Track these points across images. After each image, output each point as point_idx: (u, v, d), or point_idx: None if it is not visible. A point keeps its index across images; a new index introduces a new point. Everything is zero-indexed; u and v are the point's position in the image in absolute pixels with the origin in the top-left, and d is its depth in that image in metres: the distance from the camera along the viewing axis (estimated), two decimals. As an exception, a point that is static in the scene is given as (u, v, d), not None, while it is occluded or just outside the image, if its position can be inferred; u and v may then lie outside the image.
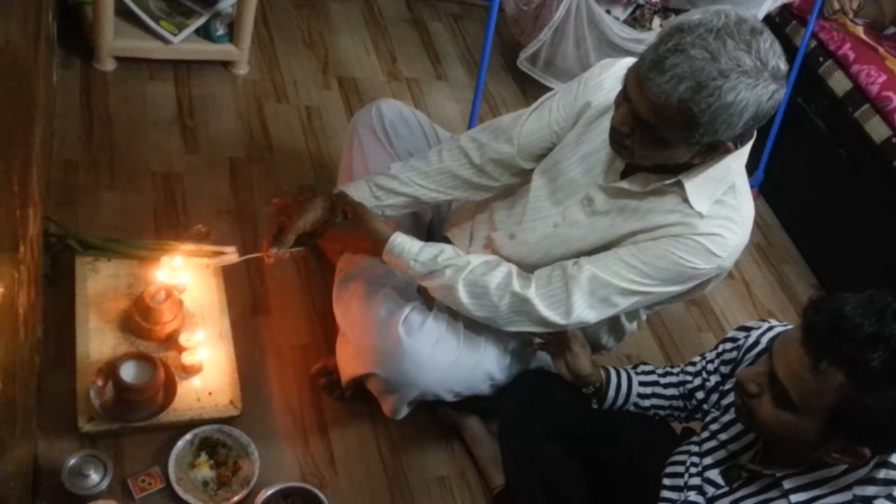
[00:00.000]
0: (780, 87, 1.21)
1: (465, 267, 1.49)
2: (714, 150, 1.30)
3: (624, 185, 1.43)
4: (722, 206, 1.39)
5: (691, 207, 1.37)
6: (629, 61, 1.51)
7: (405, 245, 1.52)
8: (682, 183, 1.36)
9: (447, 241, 1.77)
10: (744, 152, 1.38)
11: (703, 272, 1.41)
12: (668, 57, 1.18)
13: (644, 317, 1.74)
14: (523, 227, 1.58)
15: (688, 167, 1.36)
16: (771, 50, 1.19)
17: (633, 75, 1.26)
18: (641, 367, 1.58)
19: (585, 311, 1.46)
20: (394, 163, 1.68)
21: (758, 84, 1.18)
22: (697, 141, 1.26)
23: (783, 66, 1.20)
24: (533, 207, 1.57)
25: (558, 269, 1.47)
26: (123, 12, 2.20)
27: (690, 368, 1.52)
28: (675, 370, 1.56)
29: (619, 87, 1.41)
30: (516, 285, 1.47)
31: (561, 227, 1.52)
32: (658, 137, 1.26)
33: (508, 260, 1.57)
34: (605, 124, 1.46)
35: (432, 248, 1.52)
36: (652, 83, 1.20)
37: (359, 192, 1.63)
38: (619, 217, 1.45)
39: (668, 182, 1.37)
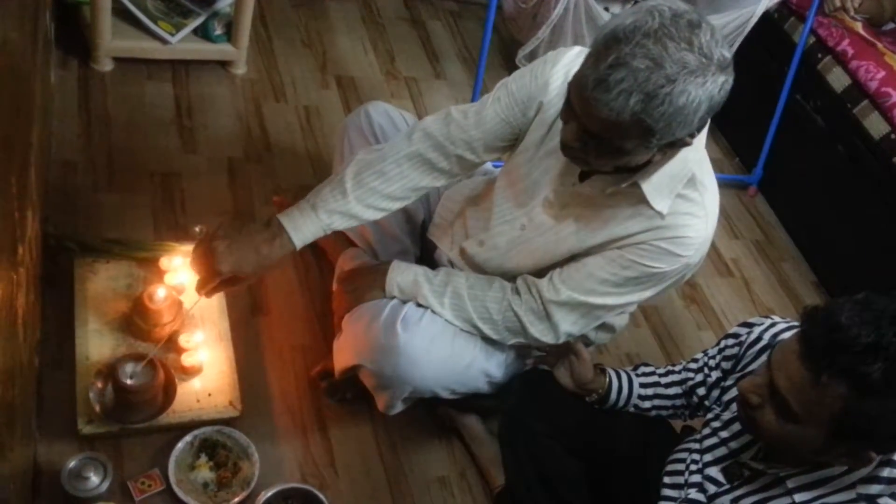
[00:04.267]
0: (729, 76, 1.17)
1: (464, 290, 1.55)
2: (672, 147, 1.28)
3: (579, 189, 1.42)
4: (683, 202, 1.37)
5: (651, 208, 1.36)
6: (575, 53, 1.44)
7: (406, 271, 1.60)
8: (639, 184, 1.34)
9: (432, 244, 1.77)
10: (700, 142, 1.35)
11: (671, 272, 1.42)
12: (612, 73, 1.13)
13: (633, 307, 1.73)
14: (491, 232, 1.58)
15: (645, 165, 1.33)
16: (713, 41, 1.15)
17: (576, 93, 1.21)
18: (642, 369, 1.58)
19: (571, 328, 1.51)
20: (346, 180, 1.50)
21: (706, 80, 1.14)
22: (655, 144, 1.23)
23: (727, 53, 1.17)
24: (498, 210, 1.57)
25: (536, 294, 1.50)
26: (121, 12, 2.20)
27: (692, 365, 1.52)
28: (677, 368, 1.56)
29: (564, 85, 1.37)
30: (512, 300, 1.52)
31: (528, 231, 1.52)
32: (614, 148, 1.24)
33: (483, 267, 1.60)
34: (558, 126, 1.41)
35: (430, 270, 1.57)
36: (599, 102, 1.15)
37: (311, 228, 1.47)
38: (579, 222, 1.45)
39: (624, 186, 1.35)
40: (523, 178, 1.51)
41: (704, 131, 1.33)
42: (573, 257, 1.48)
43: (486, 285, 1.56)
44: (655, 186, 1.34)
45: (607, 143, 1.23)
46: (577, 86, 1.20)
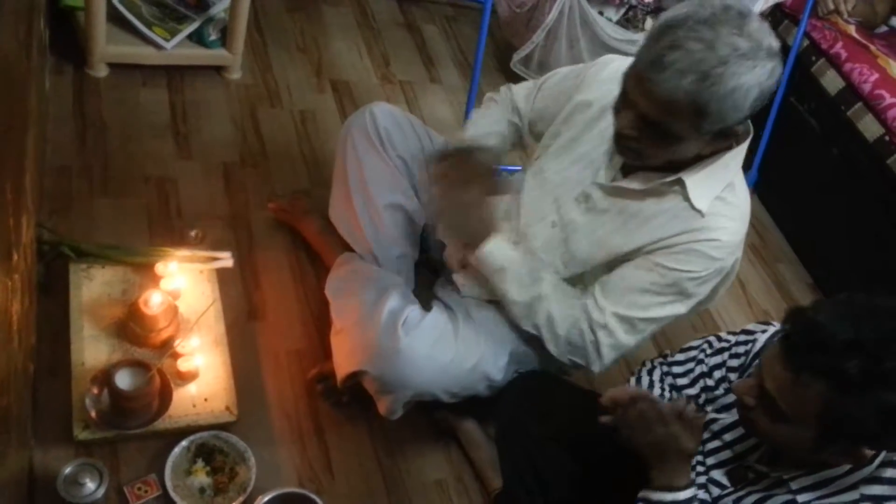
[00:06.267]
0: (777, 63, 1.24)
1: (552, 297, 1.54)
2: (723, 137, 1.33)
3: (623, 184, 1.44)
4: (722, 204, 1.41)
5: (692, 207, 1.38)
6: (628, 61, 1.52)
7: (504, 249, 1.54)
8: (683, 181, 1.38)
9: (442, 245, 1.77)
10: (742, 149, 1.40)
11: (706, 276, 1.44)
12: (666, 54, 1.20)
13: None
14: (523, 232, 1.58)
15: (690, 163, 1.37)
16: (761, 30, 1.22)
17: (631, 79, 1.27)
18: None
19: (623, 345, 1.52)
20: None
21: (756, 65, 1.21)
22: (707, 130, 1.28)
23: (775, 43, 1.24)
24: (528, 209, 1.57)
25: (585, 318, 1.50)
26: (116, 18, 2.20)
27: (681, 381, 1.49)
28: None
29: (615, 88, 1.42)
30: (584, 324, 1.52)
31: (559, 228, 1.53)
32: (668, 134, 1.29)
33: None
34: (600, 126, 1.48)
35: (528, 260, 1.54)
36: (654, 83, 1.22)
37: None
38: (618, 219, 1.46)
39: (668, 180, 1.39)
40: (554, 175, 1.54)
41: (747, 142, 1.39)
42: (611, 264, 1.50)
43: (569, 296, 1.55)
44: (699, 184, 1.38)
45: (661, 128, 1.28)
46: (633, 70, 1.27)
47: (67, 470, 1.45)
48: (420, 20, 2.99)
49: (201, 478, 1.56)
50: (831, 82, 2.61)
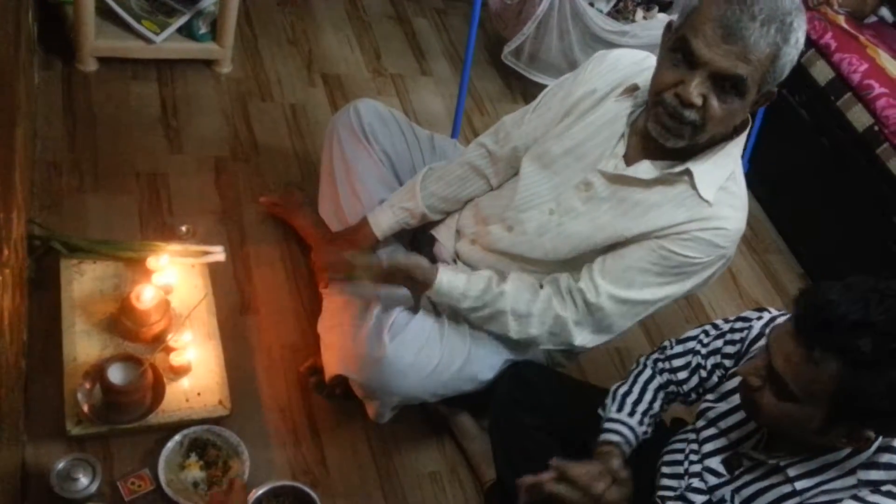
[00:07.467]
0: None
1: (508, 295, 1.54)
2: (760, 102, 1.34)
3: (629, 172, 1.44)
4: (725, 194, 1.41)
5: (699, 196, 1.39)
6: (623, 52, 1.54)
7: (453, 283, 1.55)
8: (691, 170, 1.38)
9: (433, 239, 1.77)
10: (742, 139, 1.41)
11: (708, 263, 1.45)
12: (753, 3, 1.21)
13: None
14: (519, 217, 1.58)
15: (693, 153, 1.38)
16: None
17: (706, 35, 1.24)
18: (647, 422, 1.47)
19: (618, 327, 1.53)
20: (408, 187, 1.76)
21: (804, 18, 1.26)
22: (763, 88, 1.30)
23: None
24: (525, 195, 1.56)
25: (580, 300, 1.50)
26: (105, 12, 2.19)
27: (682, 375, 1.50)
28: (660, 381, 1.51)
29: (615, 77, 1.43)
30: (557, 307, 1.51)
31: (556, 215, 1.53)
32: (740, 90, 1.28)
33: (507, 252, 1.59)
34: (597, 113, 1.49)
35: (478, 282, 1.54)
36: (746, 31, 1.22)
37: (387, 222, 1.74)
38: (619, 207, 1.46)
39: (676, 171, 1.39)
40: (553, 162, 1.53)
41: (746, 132, 1.40)
42: (612, 246, 1.49)
43: (530, 298, 1.53)
44: (706, 173, 1.39)
45: (737, 85, 1.26)
46: (711, 26, 1.24)
47: (60, 465, 1.45)
48: (411, 13, 2.98)
49: (195, 472, 1.56)
50: (821, 73, 2.61)
